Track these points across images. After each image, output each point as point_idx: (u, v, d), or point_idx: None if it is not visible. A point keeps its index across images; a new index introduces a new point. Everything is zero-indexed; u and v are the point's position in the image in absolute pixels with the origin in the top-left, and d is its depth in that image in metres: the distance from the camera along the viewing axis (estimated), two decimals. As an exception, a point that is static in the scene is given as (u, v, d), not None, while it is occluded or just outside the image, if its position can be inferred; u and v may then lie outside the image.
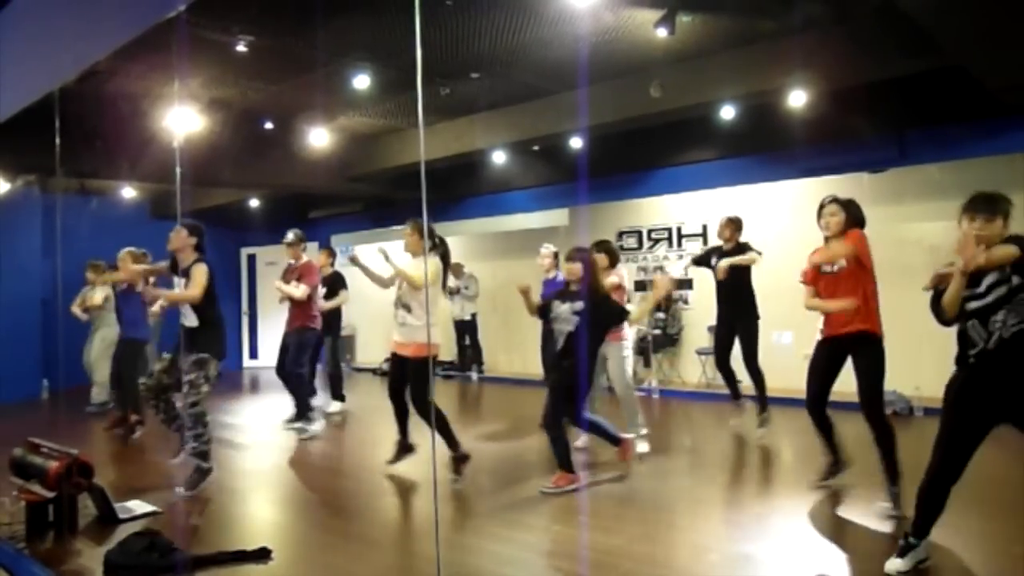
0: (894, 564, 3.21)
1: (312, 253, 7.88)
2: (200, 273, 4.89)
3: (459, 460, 5.01)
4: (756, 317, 6.24)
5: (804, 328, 5.81)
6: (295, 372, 6.93)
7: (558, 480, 4.67)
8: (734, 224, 6.42)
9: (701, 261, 6.67)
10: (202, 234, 5.12)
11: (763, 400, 6.23)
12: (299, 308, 7.00)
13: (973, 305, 3.08)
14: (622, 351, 5.65)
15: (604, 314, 4.80)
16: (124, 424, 6.91)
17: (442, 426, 4.91)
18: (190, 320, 4.94)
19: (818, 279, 4.32)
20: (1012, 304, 3.00)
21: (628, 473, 5.08)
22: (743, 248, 6.30)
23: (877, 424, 4.08)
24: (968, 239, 3.01)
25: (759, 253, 6.22)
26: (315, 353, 7.48)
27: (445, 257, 5.35)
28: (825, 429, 4.47)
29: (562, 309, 4.85)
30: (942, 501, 3.18)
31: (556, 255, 6.89)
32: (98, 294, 8.14)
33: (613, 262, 5.80)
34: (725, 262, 6.11)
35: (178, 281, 5.09)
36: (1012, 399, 3.05)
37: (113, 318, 7.67)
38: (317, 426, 6.96)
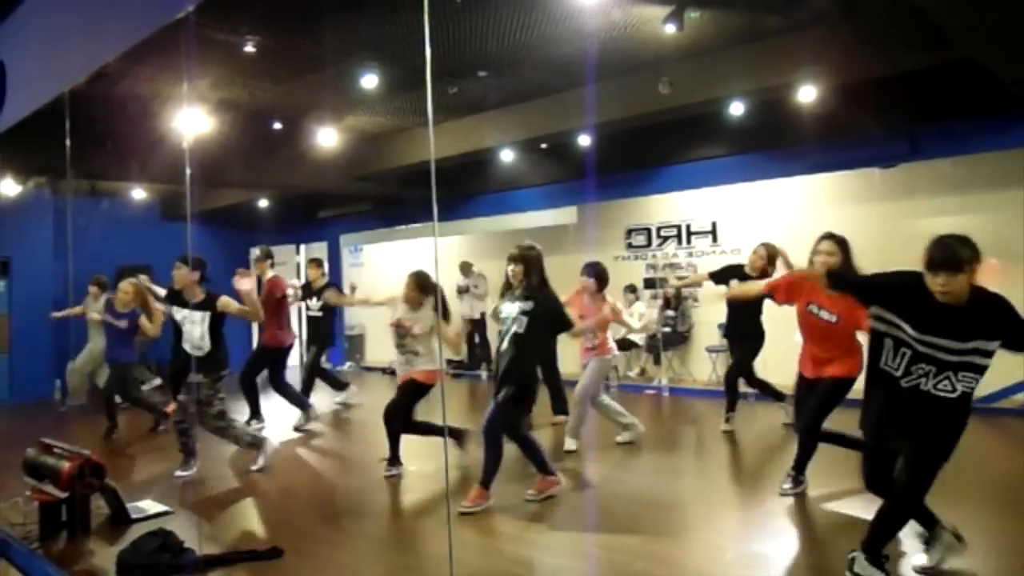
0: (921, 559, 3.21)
1: (321, 255, 7.89)
2: (232, 303, 5.24)
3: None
4: (759, 337, 6.13)
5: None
6: (279, 386, 7.12)
7: (541, 485, 4.56)
8: (771, 254, 5.95)
9: (720, 279, 6.30)
10: (205, 266, 5.38)
11: (777, 396, 6.32)
12: (267, 323, 6.87)
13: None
14: (599, 365, 5.67)
15: (552, 314, 4.45)
16: (114, 432, 7.09)
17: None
18: (202, 348, 5.25)
19: (806, 316, 4.28)
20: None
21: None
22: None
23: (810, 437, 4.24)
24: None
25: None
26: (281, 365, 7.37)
27: (445, 304, 5.39)
28: (827, 440, 4.48)
29: (511, 309, 4.60)
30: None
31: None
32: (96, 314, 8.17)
33: (601, 286, 5.71)
34: (735, 290, 5.71)
35: (188, 313, 5.31)
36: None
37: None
38: (306, 418, 7.20)
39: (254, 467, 5.51)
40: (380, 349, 12.14)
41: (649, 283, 9.62)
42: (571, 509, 4.39)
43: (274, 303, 7.01)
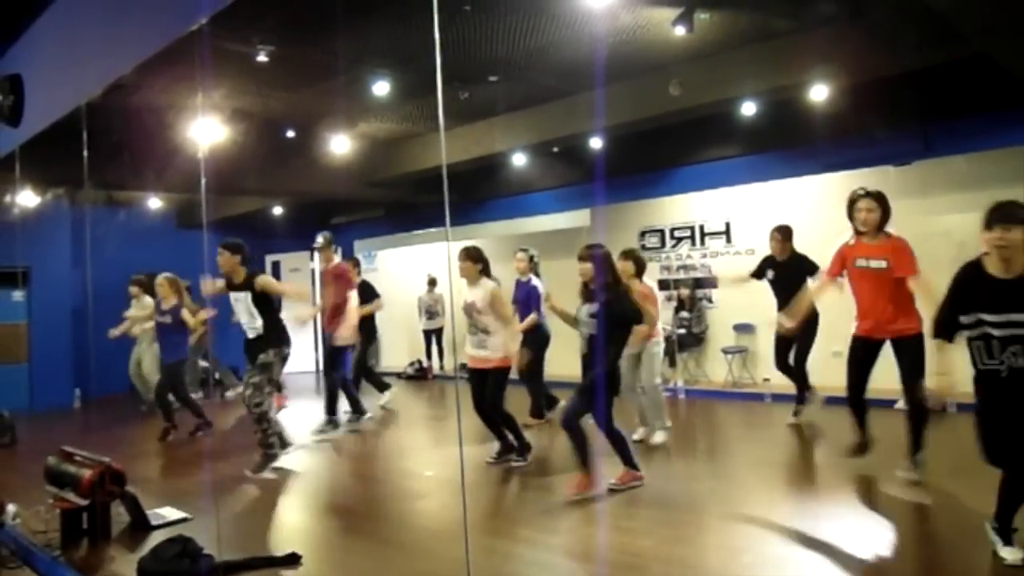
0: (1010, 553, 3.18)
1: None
2: (271, 282, 5.46)
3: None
4: (815, 324, 6.08)
5: (834, 325, 5.78)
6: (346, 385, 7.20)
7: (579, 484, 4.59)
8: (782, 234, 6.31)
9: (758, 275, 6.55)
10: (243, 249, 5.51)
11: (801, 395, 6.39)
12: (338, 310, 7.04)
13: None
14: (652, 349, 5.64)
15: (619, 312, 4.57)
16: (170, 433, 7.21)
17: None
18: (254, 329, 5.38)
19: (858, 273, 4.37)
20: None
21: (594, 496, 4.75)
22: (798, 259, 6.21)
23: (914, 403, 4.22)
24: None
25: (811, 274, 6.05)
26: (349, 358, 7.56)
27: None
28: (860, 411, 4.57)
29: (581, 312, 4.78)
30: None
31: (532, 258, 7.03)
32: (142, 311, 8.30)
33: (640, 270, 5.76)
34: (786, 322, 5.69)
35: (236, 296, 5.47)
36: None
37: (150, 332, 8.03)
38: (362, 420, 7.27)
39: (248, 470, 5.48)
40: (395, 354, 12.18)
41: (664, 285, 9.59)
42: (588, 512, 4.38)
43: (344, 288, 7.12)
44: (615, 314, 4.54)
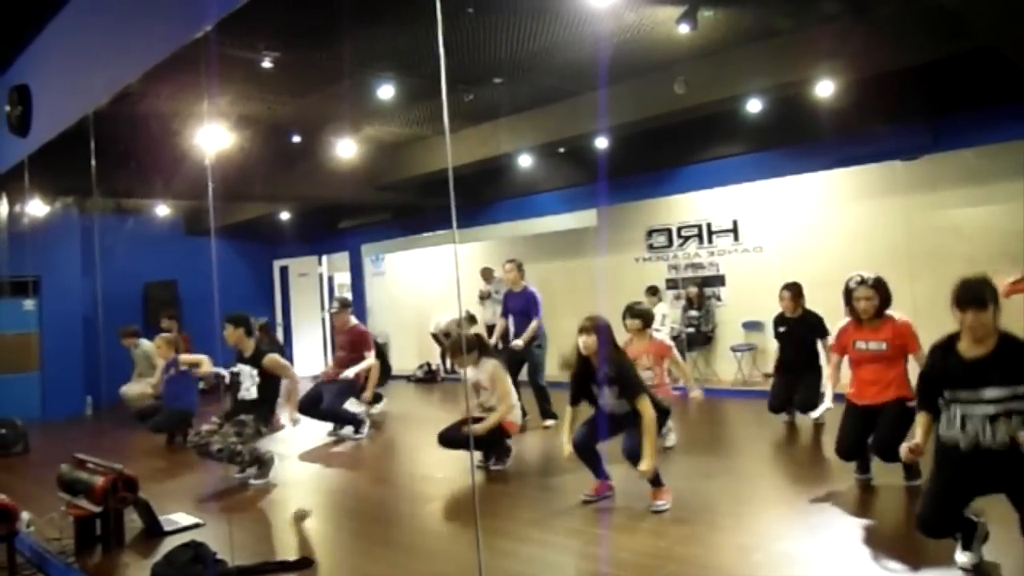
0: (964, 556, 3.17)
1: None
2: (278, 362, 5.67)
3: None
4: (818, 375, 6.00)
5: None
6: (335, 412, 7.11)
7: (596, 489, 4.57)
8: (792, 291, 6.30)
9: (776, 334, 6.56)
10: (247, 321, 5.80)
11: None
12: (342, 366, 7.17)
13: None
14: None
15: (627, 384, 4.37)
16: (176, 438, 7.32)
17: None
18: (250, 393, 5.59)
19: (857, 354, 4.45)
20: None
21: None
22: (809, 319, 6.20)
23: (892, 460, 4.20)
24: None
25: (821, 337, 6.06)
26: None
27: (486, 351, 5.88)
28: (857, 459, 4.60)
29: (603, 395, 4.58)
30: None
31: (520, 267, 7.26)
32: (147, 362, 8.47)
33: (647, 324, 5.77)
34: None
35: (241, 366, 5.69)
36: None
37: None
38: (366, 429, 7.21)
39: (252, 480, 5.54)
40: (403, 357, 12.20)
41: (671, 284, 9.58)
42: (600, 513, 4.38)
43: (358, 347, 7.25)
44: (624, 383, 4.39)
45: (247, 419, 5.52)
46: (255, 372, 5.60)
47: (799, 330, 6.24)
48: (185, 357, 7.53)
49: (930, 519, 3.15)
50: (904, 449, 3.32)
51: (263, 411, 5.62)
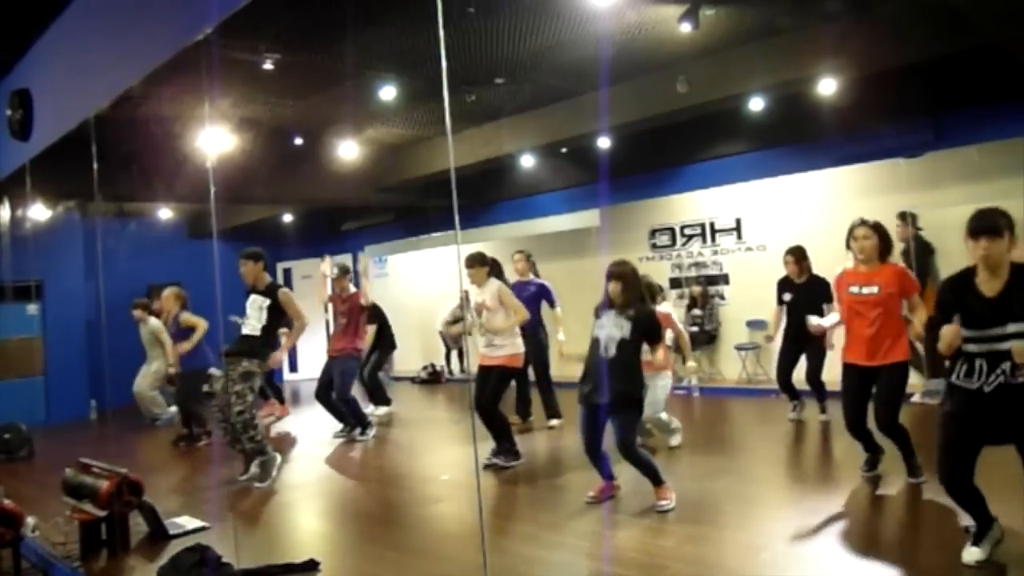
0: (971, 553, 3.12)
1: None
2: (292, 300, 5.66)
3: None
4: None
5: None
6: (346, 399, 7.09)
7: (601, 490, 4.55)
8: (795, 255, 6.23)
9: (780, 300, 6.41)
10: (263, 256, 5.84)
11: (823, 404, 6.36)
12: (345, 333, 7.15)
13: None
14: (659, 381, 5.63)
15: (649, 330, 4.39)
16: (187, 439, 7.37)
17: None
18: (254, 329, 5.52)
19: (851, 300, 4.37)
20: None
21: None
22: (815, 283, 6.11)
23: (893, 432, 4.28)
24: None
25: (828, 301, 5.87)
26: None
27: (501, 276, 5.85)
28: (866, 438, 4.54)
29: (605, 318, 4.57)
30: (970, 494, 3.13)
31: (529, 257, 7.23)
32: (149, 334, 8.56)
33: (652, 297, 5.61)
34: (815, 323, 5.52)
35: (254, 298, 5.65)
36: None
37: (161, 351, 8.35)
38: (372, 432, 7.19)
39: (242, 475, 5.55)
40: (408, 359, 12.19)
41: (675, 283, 9.56)
42: (606, 513, 4.36)
43: (357, 313, 7.25)
44: (642, 329, 4.36)
45: (250, 365, 5.41)
46: (266, 304, 5.55)
47: (806, 296, 6.07)
48: (187, 316, 7.54)
49: (949, 467, 3.10)
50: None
51: (264, 351, 5.53)
